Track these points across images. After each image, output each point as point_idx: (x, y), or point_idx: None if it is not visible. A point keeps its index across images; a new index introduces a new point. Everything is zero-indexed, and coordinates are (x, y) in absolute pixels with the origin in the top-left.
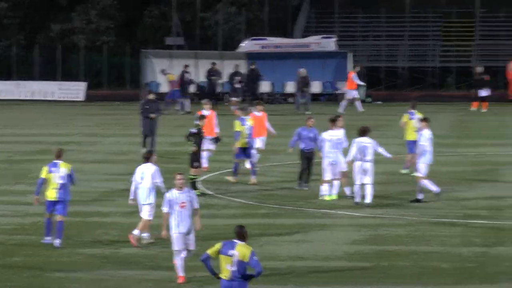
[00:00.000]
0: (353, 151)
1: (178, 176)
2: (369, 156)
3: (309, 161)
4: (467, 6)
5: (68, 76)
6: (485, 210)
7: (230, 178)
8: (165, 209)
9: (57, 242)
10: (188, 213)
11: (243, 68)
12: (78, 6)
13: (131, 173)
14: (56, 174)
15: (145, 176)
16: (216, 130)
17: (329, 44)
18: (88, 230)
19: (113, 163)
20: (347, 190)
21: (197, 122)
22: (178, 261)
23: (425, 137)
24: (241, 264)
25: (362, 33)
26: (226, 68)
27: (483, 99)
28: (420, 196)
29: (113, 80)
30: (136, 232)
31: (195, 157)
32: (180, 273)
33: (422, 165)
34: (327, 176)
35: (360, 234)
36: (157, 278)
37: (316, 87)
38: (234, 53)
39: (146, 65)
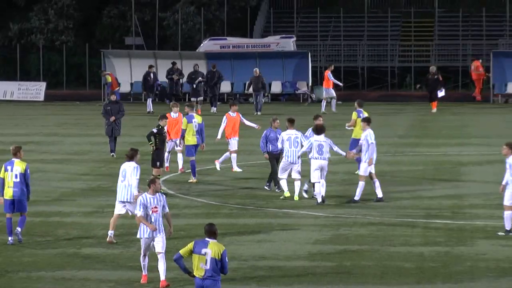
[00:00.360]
0: (304, 149)
1: (158, 181)
2: (326, 154)
3: (278, 162)
4: (425, 6)
5: (27, 76)
6: (447, 209)
7: (192, 180)
8: (138, 212)
9: (18, 230)
10: (160, 217)
11: (203, 68)
12: (35, 6)
13: (91, 173)
14: (11, 173)
15: (127, 174)
16: (183, 133)
17: (288, 44)
18: (49, 230)
19: (74, 163)
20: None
21: (159, 122)
22: (142, 262)
23: (369, 136)
24: (215, 262)
25: (321, 33)
26: (185, 68)
27: (436, 98)
28: (380, 195)
29: (72, 80)
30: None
31: (157, 157)
32: (144, 271)
33: (364, 165)
34: (283, 175)
35: (322, 234)
36: (119, 277)
37: (276, 87)
38: (193, 53)
39: (105, 65)
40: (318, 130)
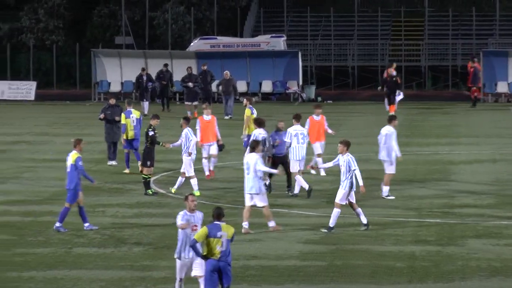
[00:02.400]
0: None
1: (191, 198)
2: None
3: (284, 165)
4: (415, 5)
5: (17, 75)
6: (438, 209)
7: (126, 171)
8: (179, 221)
9: (85, 226)
10: None
11: (194, 67)
12: (26, 5)
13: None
14: (66, 163)
15: (250, 166)
16: (219, 136)
17: (278, 43)
18: (40, 230)
19: (65, 162)
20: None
21: (150, 122)
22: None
23: (291, 134)
24: (228, 243)
25: (311, 33)
26: (176, 67)
27: (393, 102)
28: (307, 188)
29: (63, 79)
30: (245, 224)
31: (148, 156)
32: None
33: (292, 162)
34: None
35: (313, 233)
36: (111, 277)
37: (266, 86)
38: (184, 53)
39: (96, 64)
40: (260, 124)
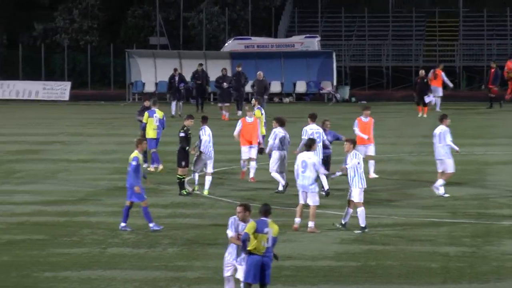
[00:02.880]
0: (276, 142)
1: (237, 209)
2: (286, 146)
3: (326, 166)
4: (450, 5)
5: (52, 76)
6: (473, 209)
7: (160, 167)
8: (230, 232)
9: (150, 225)
10: None
11: (228, 68)
12: (60, 5)
13: (116, 173)
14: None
15: (308, 164)
16: (260, 139)
17: (313, 43)
18: (75, 230)
19: (99, 162)
20: (439, 189)
21: (184, 123)
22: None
23: (308, 133)
24: (274, 240)
25: (345, 33)
26: (210, 67)
27: (425, 104)
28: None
29: (97, 80)
30: (299, 220)
31: (183, 157)
32: None
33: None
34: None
35: (348, 234)
36: (145, 277)
37: (300, 86)
38: (218, 53)
39: (130, 65)
40: (282, 123)
